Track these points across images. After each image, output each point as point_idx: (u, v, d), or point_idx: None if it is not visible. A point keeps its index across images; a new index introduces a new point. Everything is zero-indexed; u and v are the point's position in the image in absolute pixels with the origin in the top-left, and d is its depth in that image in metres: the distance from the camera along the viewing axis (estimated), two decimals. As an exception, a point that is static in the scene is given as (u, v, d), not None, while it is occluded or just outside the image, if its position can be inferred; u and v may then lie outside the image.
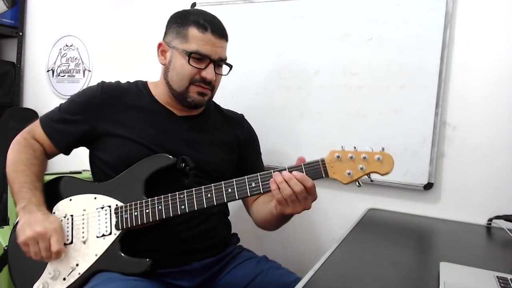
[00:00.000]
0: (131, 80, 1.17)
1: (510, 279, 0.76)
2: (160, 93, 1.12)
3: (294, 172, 0.89)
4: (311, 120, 1.46)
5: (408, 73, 1.31)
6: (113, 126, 1.05)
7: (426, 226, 1.24)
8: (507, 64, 1.22)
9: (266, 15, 1.53)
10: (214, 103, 1.24)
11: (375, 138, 1.35)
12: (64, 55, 2.13)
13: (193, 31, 1.04)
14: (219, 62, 1.08)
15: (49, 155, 1.11)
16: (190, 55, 1.03)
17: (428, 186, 1.30)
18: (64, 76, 2.13)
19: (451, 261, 0.84)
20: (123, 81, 1.16)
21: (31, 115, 2.19)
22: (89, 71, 2.06)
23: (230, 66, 1.13)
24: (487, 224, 1.23)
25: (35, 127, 1.10)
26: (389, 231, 1.18)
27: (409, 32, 1.30)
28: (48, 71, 2.19)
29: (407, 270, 0.86)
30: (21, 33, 2.28)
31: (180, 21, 1.07)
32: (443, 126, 1.30)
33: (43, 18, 2.23)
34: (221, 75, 1.12)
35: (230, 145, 1.17)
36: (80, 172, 1.53)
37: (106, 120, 1.06)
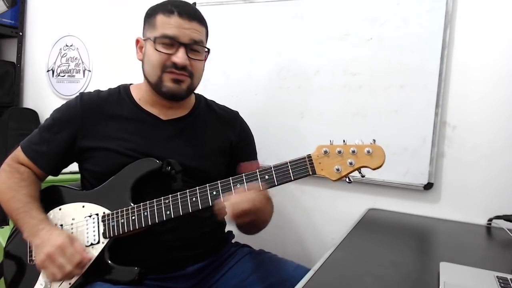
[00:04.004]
0: (132, 81, 1.15)
1: (510, 279, 0.76)
2: (143, 95, 1.08)
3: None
4: (311, 120, 1.46)
5: (408, 73, 1.31)
6: (96, 139, 1.02)
7: (426, 226, 1.24)
8: (507, 63, 1.22)
9: (266, 15, 1.53)
10: (206, 100, 1.19)
11: (375, 138, 1.34)
12: (64, 55, 2.13)
13: (160, 18, 1.00)
14: (191, 45, 1.00)
15: (39, 178, 1.07)
16: (155, 40, 0.99)
17: (428, 186, 1.30)
18: (64, 76, 2.13)
19: (451, 261, 0.84)
20: (122, 82, 1.15)
21: (31, 115, 2.19)
22: (89, 71, 2.06)
23: (208, 50, 1.06)
24: (487, 224, 1.23)
25: (18, 152, 1.06)
26: (389, 231, 1.18)
27: (409, 32, 1.30)
28: (48, 71, 2.19)
29: (407, 270, 0.86)
30: (21, 33, 2.28)
31: (150, 12, 1.04)
32: (443, 126, 1.30)
33: (43, 18, 2.23)
34: (198, 60, 1.03)
35: (221, 148, 1.12)
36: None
37: (89, 133, 1.03)
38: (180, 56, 0.98)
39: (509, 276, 0.77)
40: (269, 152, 1.51)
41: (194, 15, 1.01)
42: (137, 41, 1.08)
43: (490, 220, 1.22)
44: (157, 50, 0.99)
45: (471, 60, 1.26)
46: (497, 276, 0.77)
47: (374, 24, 1.36)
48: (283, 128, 1.51)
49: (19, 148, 1.07)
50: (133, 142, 1.02)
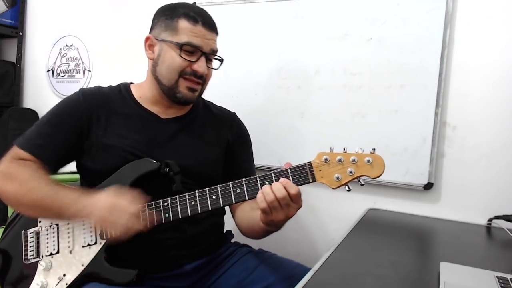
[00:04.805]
0: (132, 81, 1.15)
1: (510, 279, 0.76)
2: (145, 94, 1.08)
3: (280, 179, 0.86)
4: (311, 120, 1.46)
5: (408, 73, 1.31)
6: (99, 135, 1.01)
7: (426, 226, 1.24)
8: (507, 63, 1.22)
9: (266, 15, 1.53)
10: (204, 100, 1.21)
11: (375, 138, 1.35)
12: (64, 55, 2.13)
13: (184, 23, 1.01)
14: (210, 55, 1.05)
15: None
16: (181, 46, 1.00)
17: (428, 186, 1.30)
18: (64, 76, 2.13)
19: (451, 261, 0.84)
20: (123, 81, 1.15)
21: (31, 115, 2.19)
22: (89, 71, 2.06)
23: (221, 60, 1.10)
24: (487, 224, 1.23)
25: (16, 151, 0.99)
26: (389, 231, 1.18)
27: (409, 32, 1.30)
28: (48, 71, 2.19)
29: (407, 270, 0.86)
30: (21, 33, 2.28)
31: (169, 13, 1.04)
32: (443, 126, 1.30)
33: (43, 18, 2.23)
34: (213, 69, 1.09)
35: (219, 147, 1.13)
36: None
37: (92, 128, 1.02)
38: (201, 65, 1.02)
39: (509, 276, 0.77)
40: (269, 151, 1.51)
41: (214, 26, 1.06)
42: (147, 39, 1.07)
43: (490, 220, 1.22)
44: (181, 56, 1.00)
45: (471, 60, 1.26)
46: (497, 276, 0.77)
47: (374, 24, 1.36)
48: (283, 128, 1.51)
49: (14, 149, 1.00)
50: (131, 139, 1.02)
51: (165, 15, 1.05)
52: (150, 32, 1.08)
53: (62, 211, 0.92)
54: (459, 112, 1.28)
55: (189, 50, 1.01)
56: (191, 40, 1.00)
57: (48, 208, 0.93)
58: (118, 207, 0.89)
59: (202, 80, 1.05)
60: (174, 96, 1.04)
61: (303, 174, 0.87)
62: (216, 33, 1.07)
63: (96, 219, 0.89)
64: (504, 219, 1.19)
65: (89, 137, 1.02)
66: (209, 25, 1.04)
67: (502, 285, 0.73)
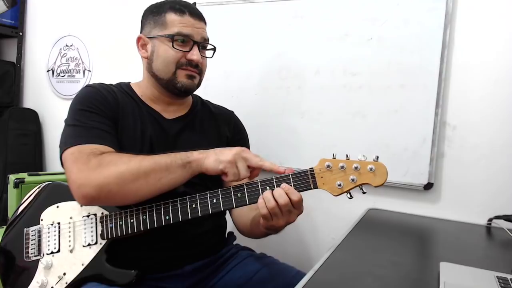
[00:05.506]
0: (132, 81, 1.14)
1: (510, 279, 0.76)
2: (144, 92, 1.09)
3: (282, 184, 0.85)
4: (311, 120, 1.46)
5: (408, 73, 1.31)
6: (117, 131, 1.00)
7: (426, 226, 1.24)
8: (507, 63, 1.22)
9: (266, 15, 1.53)
10: (202, 99, 1.22)
11: (375, 138, 1.35)
12: (64, 55, 2.13)
13: (171, 16, 1.03)
14: (202, 43, 1.07)
15: None
16: (173, 37, 1.01)
17: (428, 186, 1.30)
18: (64, 76, 2.13)
19: (451, 261, 0.84)
20: (123, 80, 1.14)
21: (31, 115, 2.19)
22: (89, 71, 2.06)
23: (214, 48, 1.12)
24: (487, 224, 1.23)
25: (69, 151, 0.90)
26: (389, 231, 1.18)
27: (409, 32, 1.30)
28: (48, 71, 2.19)
29: (407, 270, 0.86)
30: (21, 33, 2.28)
31: (156, 10, 1.06)
32: (443, 126, 1.30)
33: (43, 18, 2.23)
34: (207, 57, 1.11)
35: (220, 144, 1.10)
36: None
37: (118, 121, 1.00)
38: (195, 53, 1.03)
39: (509, 276, 0.77)
40: (269, 152, 1.51)
41: (201, 15, 1.08)
42: (139, 39, 1.08)
43: (490, 220, 1.22)
44: (174, 47, 1.02)
45: (471, 60, 1.26)
46: (497, 276, 0.77)
47: (374, 24, 1.35)
48: (283, 128, 1.51)
49: (72, 149, 0.91)
50: (140, 138, 1.02)
51: (152, 13, 1.07)
52: (140, 33, 1.10)
53: (182, 160, 0.90)
54: (459, 112, 1.28)
55: (181, 40, 1.02)
56: (181, 30, 1.02)
57: (162, 168, 0.88)
58: (235, 162, 0.88)
59: (198, 69, 1.06)
60: (174, 87, 1.04)
61: (305, 180, 0.87)
62: (204, 22, 1.09)
63: (230, 157, 0.88)
64: (504, 219, 1.19)
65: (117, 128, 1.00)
66: (196, 14, 1.06)
67: (502, 285, 0.73)
